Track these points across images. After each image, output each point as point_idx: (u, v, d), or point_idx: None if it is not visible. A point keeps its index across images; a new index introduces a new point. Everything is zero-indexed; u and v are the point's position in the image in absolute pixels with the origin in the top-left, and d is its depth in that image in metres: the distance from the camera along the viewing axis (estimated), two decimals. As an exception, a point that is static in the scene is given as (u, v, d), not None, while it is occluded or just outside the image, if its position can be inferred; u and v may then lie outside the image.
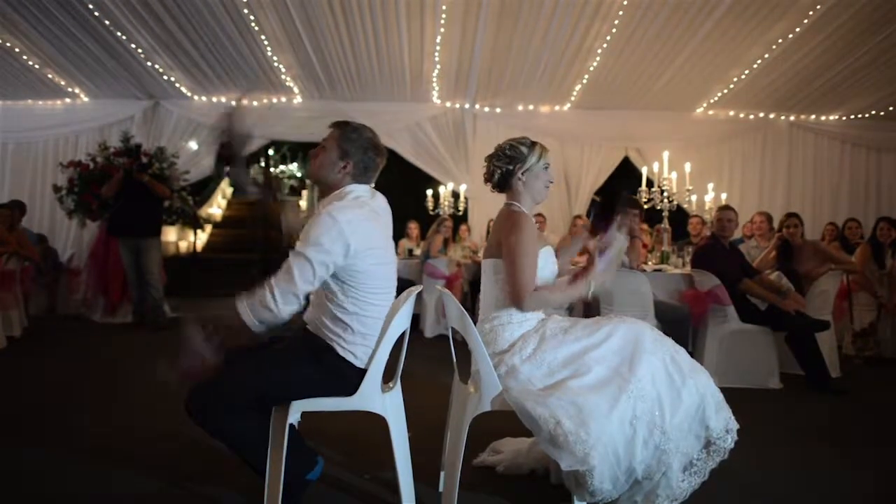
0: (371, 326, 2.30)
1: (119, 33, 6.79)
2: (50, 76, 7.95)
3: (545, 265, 2.50)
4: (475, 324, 2.45)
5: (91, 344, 6.12)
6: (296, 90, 8.33)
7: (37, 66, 7.69)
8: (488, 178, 2.65)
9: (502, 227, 2.49)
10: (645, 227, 6.52)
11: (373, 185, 2.44)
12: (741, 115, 8.84)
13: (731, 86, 7.83)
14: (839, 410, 4.15)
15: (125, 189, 6.78)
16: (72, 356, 5.53)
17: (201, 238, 13.71)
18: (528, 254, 2.40)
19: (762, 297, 4.87)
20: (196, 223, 9.62)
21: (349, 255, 2.18)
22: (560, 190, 8.70)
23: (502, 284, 2.46)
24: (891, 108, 8.26)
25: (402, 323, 2.40)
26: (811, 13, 6.11)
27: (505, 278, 2.43)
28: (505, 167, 2.58)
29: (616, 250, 2.58)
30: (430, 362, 4.88)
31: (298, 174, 24.09)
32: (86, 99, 8.64)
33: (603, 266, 2.51)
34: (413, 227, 8.28)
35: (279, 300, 2.14)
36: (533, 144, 2.60)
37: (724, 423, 2.22)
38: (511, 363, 2.36)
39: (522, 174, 2.55)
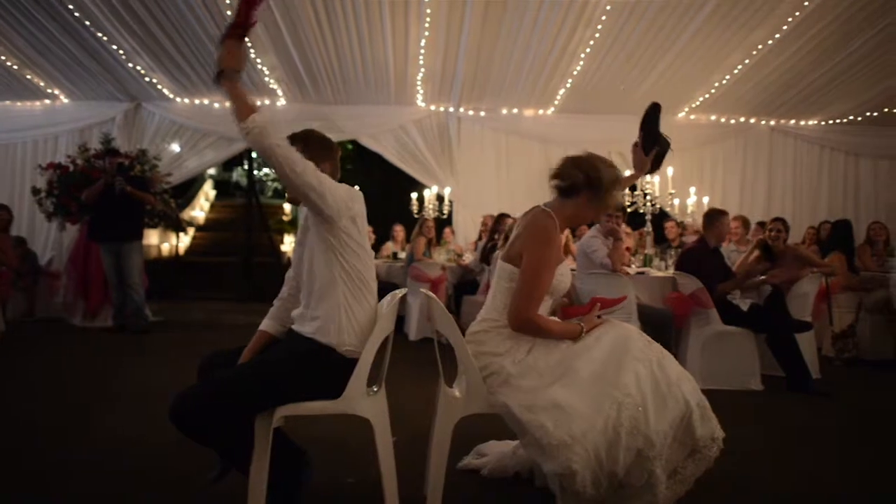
0: (358, 313, 2.30)
1: (100, 34, 6.72)
2: (29, 77, 7.85)
3: (561, 279, 2.50)
4: (459, 325, 2.46)
5: (71, 348, 6.04)
6: (279, 92, 8.30)
7: (15, 67, 7.59)
8: (558, 177, 2.54)
9: (532, 238, 2.44)
10: (628, 229, 6.57)
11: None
12: (722, 120, 8.95)
13: (713, 91, 7.92)
14: (820, 411, 4.21)
15: (106, 193, 6.70)
16: (51, 360, 5.45)
17: (184, 241, 13.62)
18: (544, 280, 2.39)
19: (740, 287, 4.95)
20: (178, 226, 9.53)
21: (350, 212, 2.23)
22: (543, 192, 8.70)
23: (511, 293, 2.45)
24: (868, 114, 8.40)
25: (386, 325, 2.40)
26: (790, 20, 6.20)
27: (514, 292, 2.41)
28: (582, 184, 2.47)
29: (617, 308, 2.61)
30: (414, 365, 4.88)
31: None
32: (66, 100, 8.54)
33: (602, 314, 2.53)
34: (399, 231, 8.28)
35: (294, 163, 2.12)
36: (615, 183, 2.49)
37: (709, 432, 2.21)
38: (502, 365, 2.36)
39: (587, 199, 2.48)
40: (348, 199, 2.25)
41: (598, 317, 2.52)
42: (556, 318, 2.53)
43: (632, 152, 2.91)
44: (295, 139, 2.39)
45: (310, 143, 2.38)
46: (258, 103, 8.30)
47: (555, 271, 2.45)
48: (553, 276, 2.44)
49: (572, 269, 5.77)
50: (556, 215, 2.48)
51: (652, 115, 2.87)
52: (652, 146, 2.83)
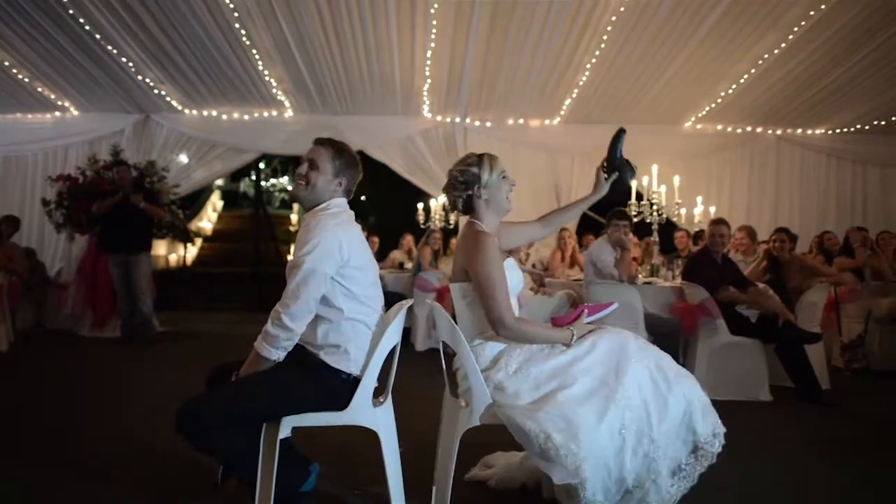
0: (362, 335, 2.31)
1: (109, 47, 6.79)
2: (39, 89, 7.93)
3: (509, 278, 2.49)
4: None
5: (79, 358, 6.06)
6: (287, 104, 8.35)
7: (26, 80, 7.67)
8: (453, 207, 2.65)
9: (468, 252, 2.46)
10: (635, 239, 6.55)
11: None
12: (729, 129, 8.93)
13: (719, 100, 7.92)
14: (829, 422, 4.17)
15: (117, 205, 6.75)
16: (59, 371, 5.48)
17: (191, 252, 13.67)
18: (499, 279, 2.39)
19: (743, 302, 4.91)
20: (186, 237, 9.56)
21: (343, 257, 2.26)
22: (550, 202, 8.73)
23: (472, 307, 2.47)
24: (875, 123, 8.37)
25: (393, 336, 2.40)
26: (796, 29, 6.20)
27: (482, 307, 2.41)
28: (464, 193, 2.58)
29: (609, 311, 2.61)
30: (421, 376, 4.85)
31: (289, 188, 24.19)
32: (75, 112, 8.61)
33: (590, 320, 2.54)
34: (408, 240, 8.29)
35: (295, 321, 2.20)
36: (480, 159, 2.58)
37: (711, 428, 2.23)
38: (497, 379, 2.35)
39: (481, 193, 2.55)
40: (335, 253, 2.26)
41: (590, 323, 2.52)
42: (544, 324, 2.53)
43: (595, 173, 2.89)
44: (330, 142, 2.45)
45: (341, 154, 2.44)
46: (265, 114, 8.45)
47: (503, 268, 2.44)
48: (504, 275, 2.43)
49: (577, 279, 5.78)
50: (482, 220, 2.56)
51: (614, 140, 2.85)
52: (610, 172, 2.83)
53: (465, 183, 2.56)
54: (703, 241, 7.13)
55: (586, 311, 2.55)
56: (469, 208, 2.61)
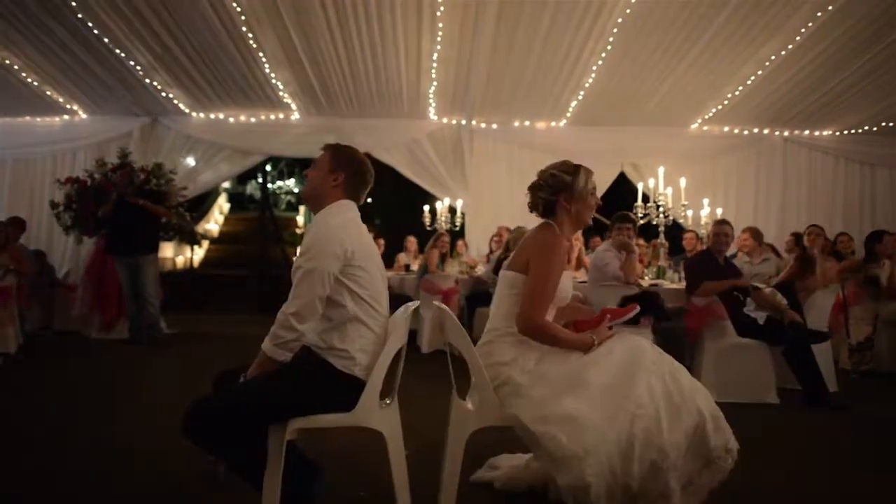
0: (366, 337, 2.32)
1: (118, 51, 6.83)
2: (49, 93, 7.98)
3: (562, 287, 2.53)
4: (472, 337, 2.46)
5: (87, 360, 6.10)
6: (293, 106, 8.37)
7: (35, 83, 7.72)
8: (533, 207, 2.67)
9: (540, 247, 2.50)
10: (641, 241, 6.53)
11: (360, 203, 2.54)
12: (736, 131, 8.90)
13: (726, 102, 7.89)
14: (837, 425, 4.15)
15: (121, 208, 6.79)
16: (67, 372, 5.51)
17: (198, 254, 13.73)
18: (551, 286, 2.43)
19: (720, 290, 4.86)
20: (193, 239, 9.60)
21: (346, 255, 2.27)
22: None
23: (515, 299, 2.48)
24: (883, 124, 8.32)
25: (399, 338, 2.41)
26: (803, 31, 6.18)
27: (522, 299, 2.43)
28: (550, 197, 2.60)
29: (630, 317, 2.63)
30: (427, 378, 4.87)
31: (296, 190, 24.25)
32: (84, 116, 8.66)
33: (610, 325, 2.56)
34: (412, 242, 8.30)
35: (301, 322, 2.21)
36: (576, 169, 2.61)
37: (723, 443, 2.21)
38: (510, 375, 2.37)
39: (567, 201, 2.58)
40: (337, 252, 2.26)
41: (609, 328, 2.52)
42: (567, 329, 2.54)
43: (605, 312, 2.68)
44: (330, 146, 2.51)
45: (338, 154, 2.49)
46: (272, 117, 8.48)
47: (560, 279, 2.47)
48: (558, 283, 2.47)
49: (583, 282, 5.78)
50: (559, 227, 2.57)
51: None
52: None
53: (552, 187, 2.59)
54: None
55: (608, 315, 2.56)
56: (549, 212, 2.62)
